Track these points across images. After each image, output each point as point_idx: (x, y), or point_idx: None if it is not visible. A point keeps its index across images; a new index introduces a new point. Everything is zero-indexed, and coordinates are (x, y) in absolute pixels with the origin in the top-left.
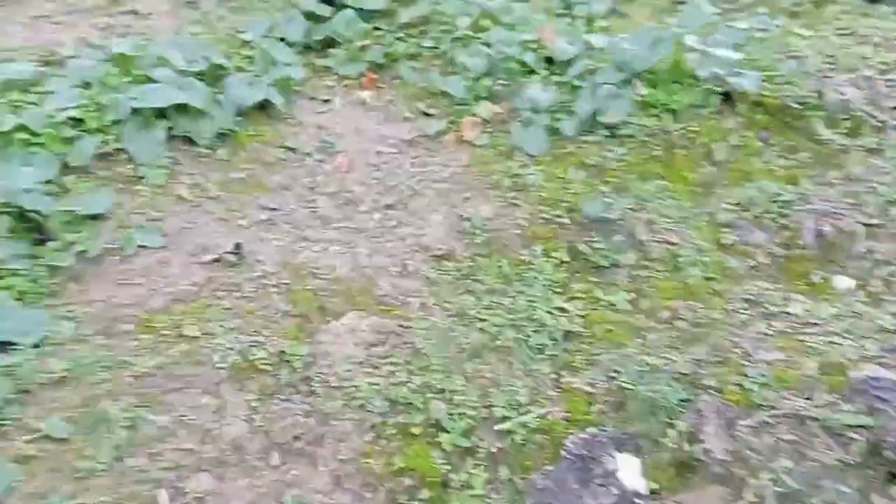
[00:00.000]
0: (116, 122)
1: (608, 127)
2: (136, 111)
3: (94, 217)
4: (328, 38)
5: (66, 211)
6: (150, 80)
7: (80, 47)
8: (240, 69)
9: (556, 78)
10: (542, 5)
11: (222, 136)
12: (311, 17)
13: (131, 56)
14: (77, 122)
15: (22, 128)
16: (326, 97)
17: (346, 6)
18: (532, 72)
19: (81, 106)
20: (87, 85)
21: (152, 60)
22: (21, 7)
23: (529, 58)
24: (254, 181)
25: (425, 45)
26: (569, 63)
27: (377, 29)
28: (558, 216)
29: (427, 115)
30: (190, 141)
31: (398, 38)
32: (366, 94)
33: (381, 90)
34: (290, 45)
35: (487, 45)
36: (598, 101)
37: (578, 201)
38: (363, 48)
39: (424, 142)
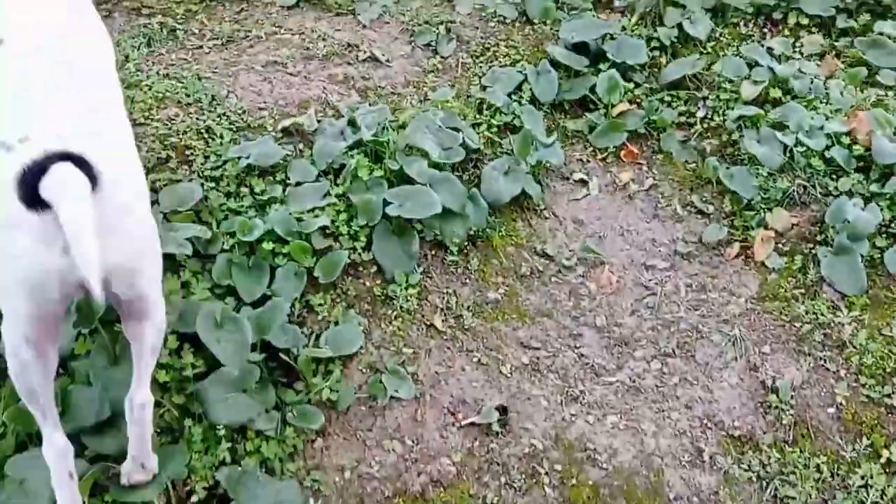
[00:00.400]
0: (366, 227)
1: None
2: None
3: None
4: (582, 98)
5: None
6: (403, 175)
7: (323, 115)
8: (493, 152)
9: (874, 187)
10: (842, 72)
11: (473, 238)
12: (561, 68)
13: (382, 140)
14: (325, 226)
15: (269, 234)
16: (581, 176)
17: (603, 58)
18: (842, 174)
19: (332, 206)
20: (335, 174)
21: (403, 145)
22: (254, 51)
23: (839, 154)
24: (511, 305)
25: (697, 113)
26: (891, 170)
27: (637, 85)
28: (888, 397)
29: (702, 213)
30: (439, 244)
31: (662, 101)
32: (626, 176)
33: (642, 168)
34: (540, 106)
35: (782, 127)
36: None
37: None
38: (622, 114)
39: (701, 254)
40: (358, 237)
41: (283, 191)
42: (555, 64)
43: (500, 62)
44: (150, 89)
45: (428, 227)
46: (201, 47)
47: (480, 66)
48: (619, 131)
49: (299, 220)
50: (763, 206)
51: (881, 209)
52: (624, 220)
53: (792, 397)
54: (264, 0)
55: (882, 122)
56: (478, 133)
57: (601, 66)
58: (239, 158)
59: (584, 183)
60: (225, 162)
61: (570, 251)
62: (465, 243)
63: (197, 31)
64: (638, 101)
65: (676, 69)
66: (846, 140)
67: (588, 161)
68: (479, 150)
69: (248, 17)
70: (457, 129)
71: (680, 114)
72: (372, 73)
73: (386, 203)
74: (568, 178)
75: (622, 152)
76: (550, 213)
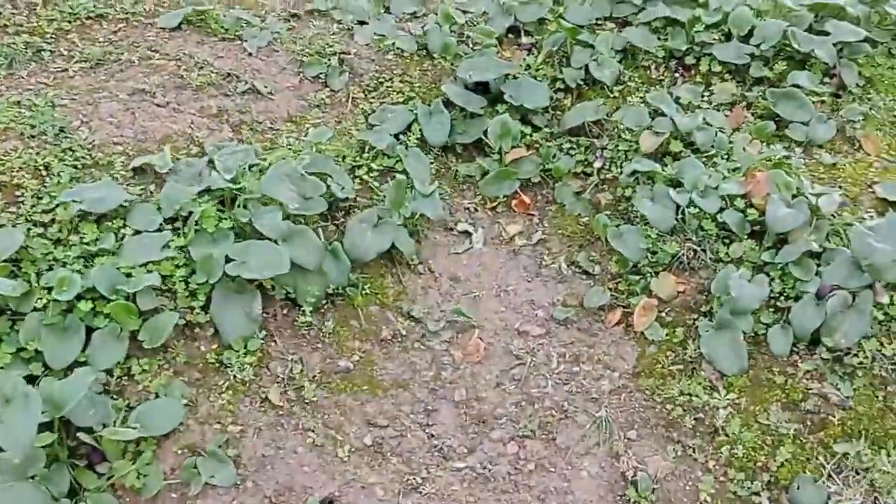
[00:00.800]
0: (205, 284)
1: (832, 350)
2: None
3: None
4: (477, 141)
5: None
6: (253, 229)
7: (185, 153)
8: (367, 198)
9: (766, 256)
10: (750, 124)
11: (333, 297)
12: (456, 108)
13: (237, 187)
14: (158, 283)
15: (90, 292)
16: (466, 227)
17: (501, 100)
18: (735, 238)
19: (169, 259)
20: (179, 223)
21: (259, 195)
22: (124, 76)
23: (732, 218)
24: (363, 375)
25: (595, 164)
26: (785, 238)
27: (536, 129)
28: (755, 494)
29: (587, 274)
30: (292, 303)
31: (561, 148)
32: (514, 229)
33: (533, 219)
34: (429, 150)
35: (677, 184)
36: (822, 311)
37: (784, 475)
38: (517, 161)
39: (580, 319)
40: (196, 296)
41: (119, 240)
42: (449, 104)
43: (393, 98)
44: None
45: (280, 284)
46: (66, 70)
47: (371, 102)
48: (511, 179)
49: (129, 275)
50: (650, 269)
51: (770, 280)
52: (504, 279)
53: (653, 491)
54: (144, 20)
55: (781, 185)
56: (356, 178)
57: (499, 108)
58: (73, 202)
59: (467, 235)
60: (58, 205)
61: (440, 312)
62: (323, 302)
63: (65, 52)
64: (537, 145)
65: (577, 115)
66: (741, 203)
67: (476, 210)
68: (348, 200)
69: (124, 38)
70: (325, 176)
71: (577, 163)
72: (250, 107)
73: (228, 259)
74: (451, 229)
75: (514, 202)
76: (426, 267)
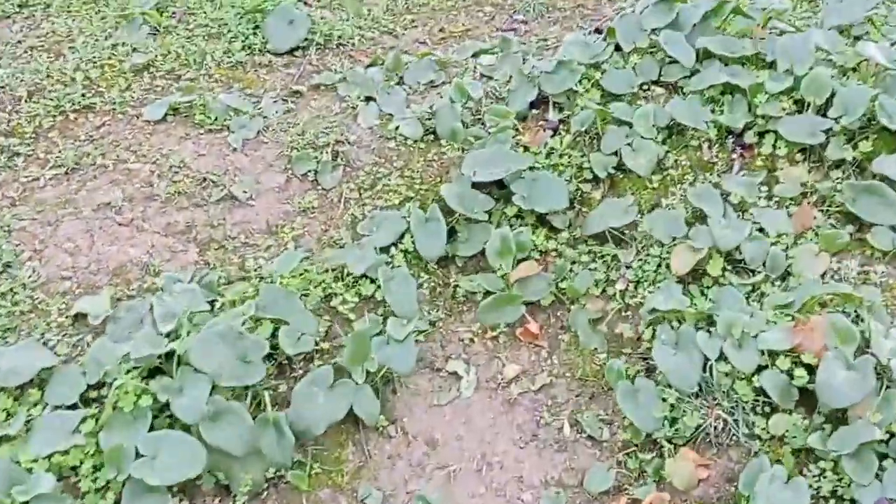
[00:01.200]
0: (115, 482)
1: None
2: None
3: None
4: (478, 255)
5: None
6: (181, 397)
7: (132, 290)
8: (331, 346)
9: (814, 439)
10: (815, 230)
11: (274, 480)
12: (456, 213)
13: (164, 351)
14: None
15: None
16: (456, 367)
17: (510, 201)
18: (775, 408)
19: (78, 447)
20: (105, 389)
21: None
22: (95, 185)
23: (772, 382)
24: None
25: (617, 284)
26: (843, 414)
27: (554, 231)
28: None
29: (593, 440)
30: (225, 490)
31: (578, 262)
32: (513, 370)
33: (541, 353)
34: (424, 264)
35: (710, 323)
36: None
37: None
38: (524, 281)
39: None
40: (105, 494)
41: (30, 419)
42: (448, 210)
43: (388, 199)
44: None
45: (208, 470)
46: (38, 179)
47: (364, 205)
48: (515, 304)
49: (30, 470)
50: (668, 442)
51: (817, 476)
52: (492, 443)
53: None
54: (131, 111)
55: (840, 336)
56: (329, 310)
57: (507, 211)
58: None
59: (457, 378)
60: None
61: (405, 495)
62: (264, 487)
63: (41, 156)
64: (556, 251)
65: (600, 220)
66: (786, 362)
67: (473, 341)
68: (303, 353)
69: (106, 133)
70: (280, 323)
71: (597, 282)
72: (225, 218)
73: (139, 454)
74: (439, 370)
75: (519, 330)
76: (398, 427)
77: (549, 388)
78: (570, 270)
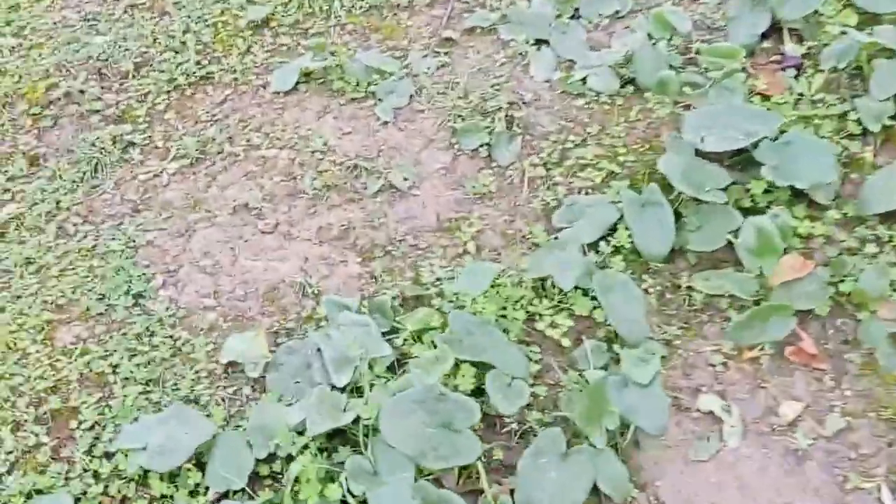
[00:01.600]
0: None
1: None
2: None
3: None
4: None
5: None
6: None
7: (290, 322)
8: (547, 389)
9: None
10: None
11: None
12: (680, 193)
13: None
14: None
15: None
16: (709, 405)
17: (751, 172)
18: None
19: None
20: (267, 472)
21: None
22: (226, 179)
23: None
24: None
25: None
26: None
27: (819, 209)
28: None
29: None
30: None
31: (860, 251)
32: (791, 409)
33: (824, 380)
34: (645, 264)
35: None
36: None
37: None
38: (789, 284)
39: None
40: None
41: None
42: (670, 188)
43: (586, 177)
44: (54, 288)
45: None
46: (160, 175)
47: (556, 186)
48: (781, 316)
49: None
50: None
51: None
52: None
53: None
54: (254, 81)
55: None
56: (532, 343)
57: (751, 187)
58: (132, 450)
59: (714, 420)
60: (115, 452)
61: None
62: None
63: (160, 143)
64: (824, 236)
65: (889, 193)
66: None
67: (726, 365)
68: (516, 415)
69: (231, 111)
70: (482, 370)
71: (892, 282)
72: (386, 213)
73: None
74: (688, 409)
75: (789, 349)
76: (652, 496)
77: (847, 433)
78: (853, 267)
